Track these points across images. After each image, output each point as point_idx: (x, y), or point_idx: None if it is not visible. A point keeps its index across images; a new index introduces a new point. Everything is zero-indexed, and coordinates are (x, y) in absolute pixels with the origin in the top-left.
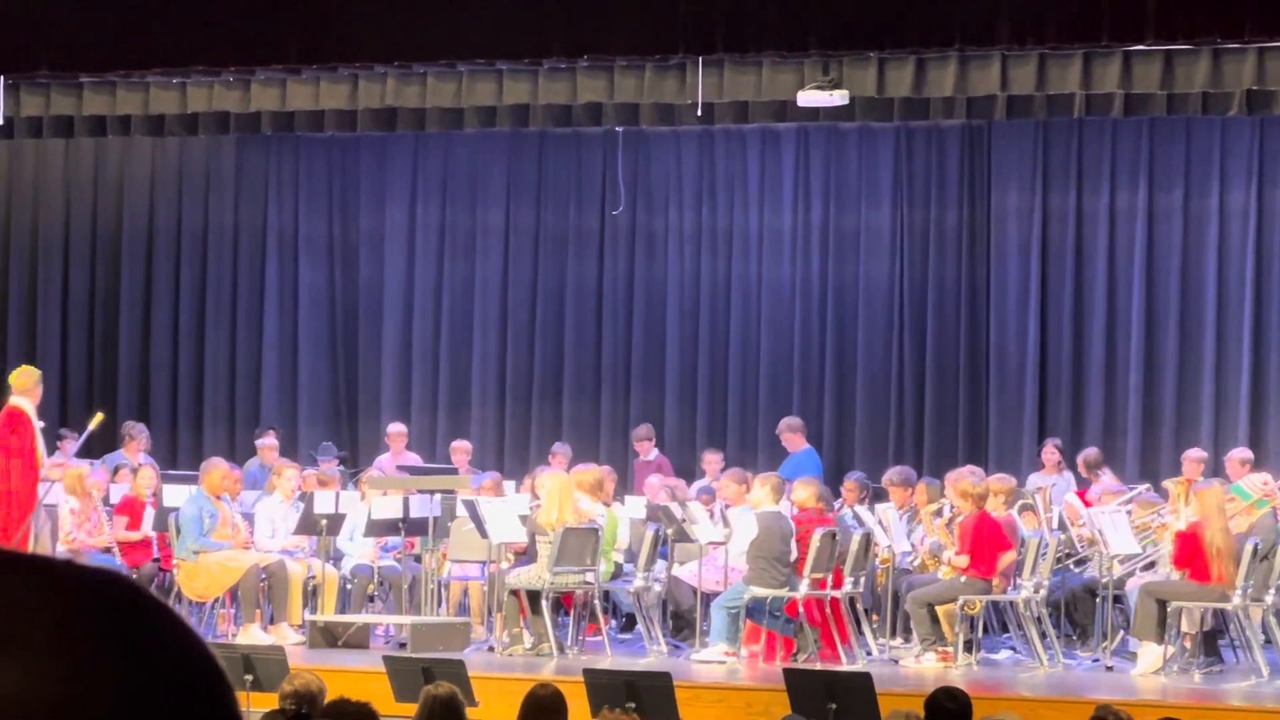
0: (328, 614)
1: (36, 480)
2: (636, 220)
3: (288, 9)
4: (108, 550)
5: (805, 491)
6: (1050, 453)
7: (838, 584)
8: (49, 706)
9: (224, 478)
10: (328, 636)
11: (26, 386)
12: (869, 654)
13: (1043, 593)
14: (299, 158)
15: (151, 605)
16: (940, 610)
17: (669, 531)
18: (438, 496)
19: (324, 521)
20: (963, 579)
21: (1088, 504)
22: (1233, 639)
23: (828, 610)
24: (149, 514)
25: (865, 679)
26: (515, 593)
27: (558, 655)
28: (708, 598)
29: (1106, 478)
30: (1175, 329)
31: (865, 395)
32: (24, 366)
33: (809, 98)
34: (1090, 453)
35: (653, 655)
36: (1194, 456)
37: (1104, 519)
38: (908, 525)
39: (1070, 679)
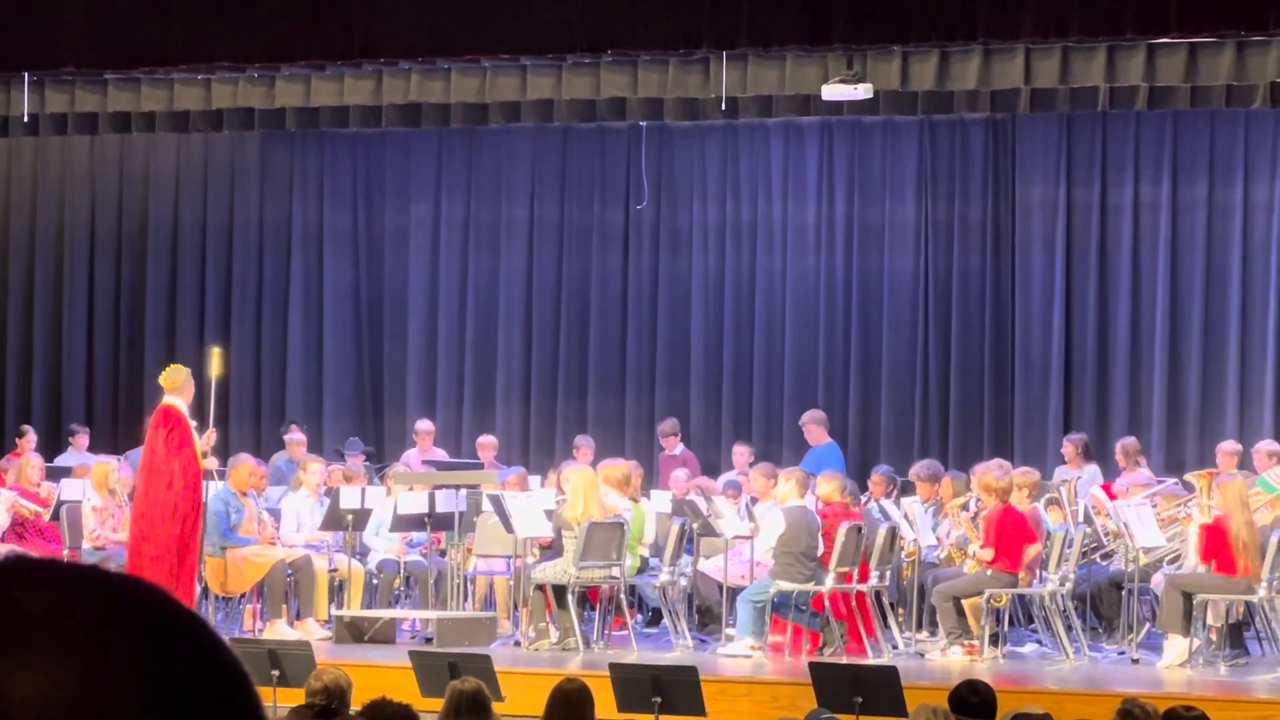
0: (354, 609)
1: (200, 475)
2: (661, 215)
3: (312, 5)
4: None
5: (829, 486)
6: (1067, 447)
7: (863, 578)
8: (71, 711)
9: (250, 473)
10: (354, 632)
11: (177, 384)
12: (895, 647)
13: (1068, 586)
14: (323, 154)
15: (176, 612)
16: (966, 604)
17: (694, 526)
18: (463, 491)
19: (350, 517)
20: (988, 572)
21: (1113, 497)
22: (1258, 631)
23: (853, 604)
24: None
25: (891, 672)
26: (541, 587)
27: (584, 650)
28: (733, 592)
29: (1144, 467)
30: (1200, 321)
31: (890, 389)
32: (173, 365)
33: (833, 92)
34: (1129, 441)
35: (679, 649)
36: (1227, 449)
37: (1129, 512)
38: (933, 519)
39: (1096, 672)
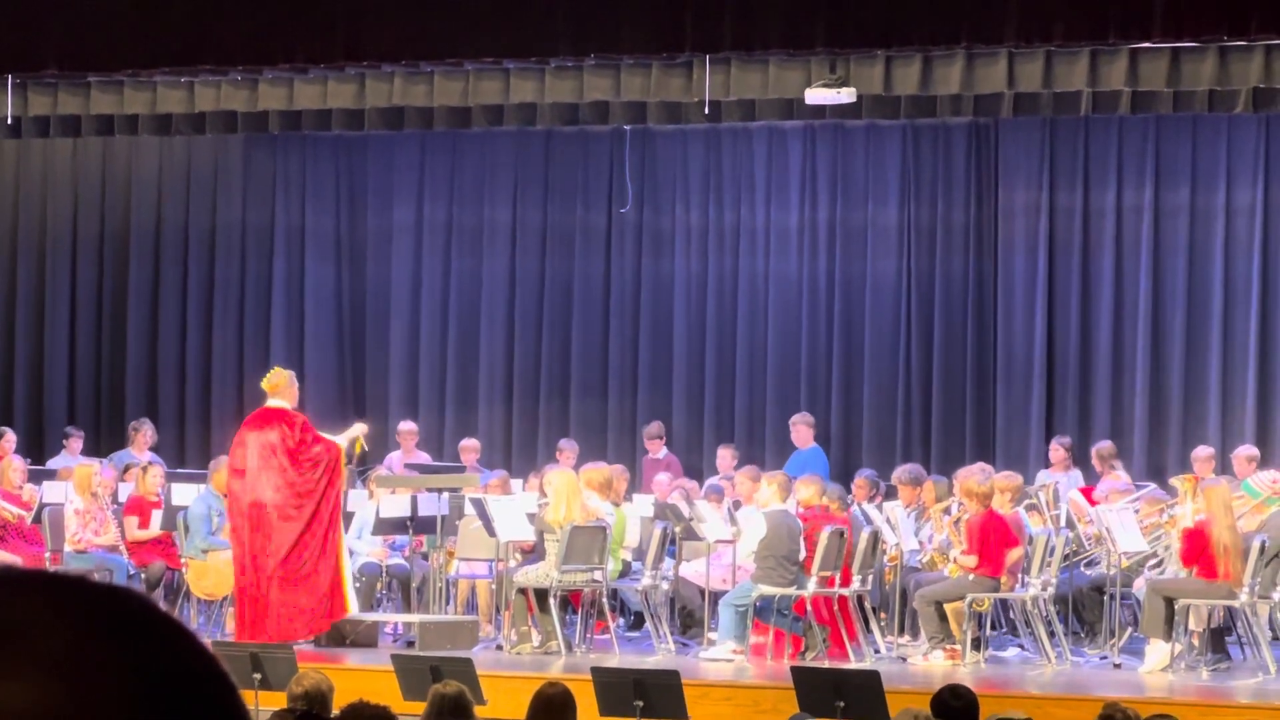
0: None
1: (339, 469)
2: (644, 218)
3: (295, 9)
4: (115, 549)
5: (808, 490)
6: (1056, 450)
7: (846, 582)
8: None
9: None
10: (336, 635)
11: (279, 386)
12: (877, 652)
13: (1050, 590)
14: (306, 157)
15: (160, 620)
16: (948, 608)
17: (677, 530)
18: (445, 495)
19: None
20: (970, 577)
21: (1093, 502)
22: (1240, 636)
23: (835, 608)
24: (157, 513)
25: (873, 677)
26: (523, 591)
27: (565, 653)
28: (716, 596)
29: (1120, 471)
30: (1182, 326)
31: (872, 392)
32: (275, 368)
33: (816, 95)
34: (1104, 446)
35: (661, 653)
36: (1202, 455)
37: (1111, 517)
38: (915, 523)
39: (1078, 677)
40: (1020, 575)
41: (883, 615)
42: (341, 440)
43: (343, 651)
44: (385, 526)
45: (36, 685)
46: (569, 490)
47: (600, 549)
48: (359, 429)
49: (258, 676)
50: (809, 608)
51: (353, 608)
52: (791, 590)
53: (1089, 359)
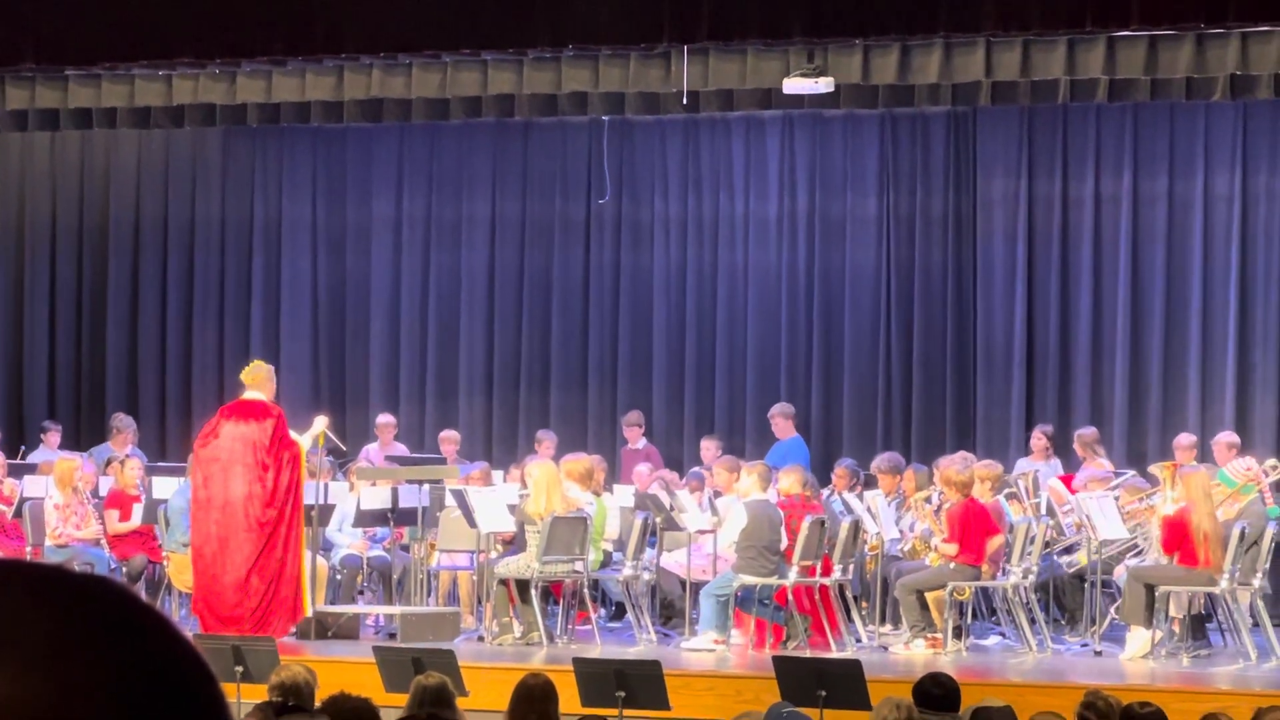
0: (317, 605)
1: (298, 474)
2: (622, 209)
3: (272, 1)
4: (97, 543)
5: (789, 479)
6: (1037, 438)
7: (827, 571)
8: (38, 712)
9: None
10: (317, 627)
11: (259, 379)
12: (858, 641)
13: (1031, 578)
14: (285, 149)
15: (142, 610)
16: (929, 597)
17: (657, 520)
18: (426, 486)
19: (313, 512)
20: (951, 565)
21: (1072, 490)
22: (1221, 623)
23: (817, 598)
24: (137, 507)
25: (855, 666)
26: (504, 582)
27: (547, 644)
28: (696, 586)
29: (1103, 458)
30: (1161, 314)
31: (852, 382)
32: (255, 361)
33: (794, 85)
34: (1087, 432)
35: (642, 644)
36: (1184, 443)
37: (1092, 504)
38: (896, 512)
39: (1059, 664)
40: (1001, 564)
41: (864, 604)
42: (305, 439)
43: (324, 644)
44: (366, 518)
45: (18, 677)
46: (549, 481)
47: (581, 540)
48: (320, 423)
49: (239, 669)
50: (790, 597)
51: (309, 610)
52: (773, 580)
53: (1069, 347)
